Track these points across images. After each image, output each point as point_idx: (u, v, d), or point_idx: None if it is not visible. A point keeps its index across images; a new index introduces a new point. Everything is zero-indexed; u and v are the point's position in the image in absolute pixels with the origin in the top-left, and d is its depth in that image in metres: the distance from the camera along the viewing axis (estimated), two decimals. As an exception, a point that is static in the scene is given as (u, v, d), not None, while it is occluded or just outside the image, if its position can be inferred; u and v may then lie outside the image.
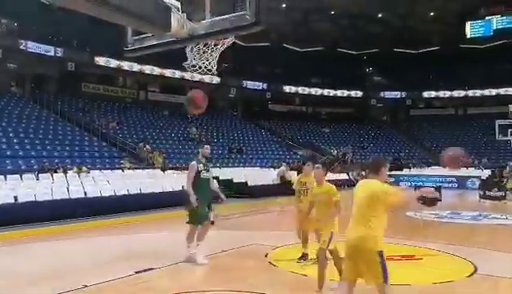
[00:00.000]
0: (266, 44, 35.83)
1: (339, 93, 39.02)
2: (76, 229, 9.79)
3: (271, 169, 22.53)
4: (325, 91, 38.84)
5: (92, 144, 20.73)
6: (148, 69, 28.71)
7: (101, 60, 26.48)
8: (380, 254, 3.45)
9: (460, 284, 5.23)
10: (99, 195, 12.43)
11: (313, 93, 38.74)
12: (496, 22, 34.46)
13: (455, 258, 6.58)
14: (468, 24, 35.28)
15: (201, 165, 6.48)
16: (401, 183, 25.23)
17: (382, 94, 39.82)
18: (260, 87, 36.28)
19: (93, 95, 27.36)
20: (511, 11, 33.53)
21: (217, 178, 18.70)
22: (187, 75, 28.65)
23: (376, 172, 3.75)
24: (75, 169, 14.45)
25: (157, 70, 29.21)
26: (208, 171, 6.54)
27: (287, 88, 37.58)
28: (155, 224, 10.86)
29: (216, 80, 31.18)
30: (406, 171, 27.65)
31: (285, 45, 38.04)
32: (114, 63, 26.80)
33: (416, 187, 14.36)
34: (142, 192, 13.69)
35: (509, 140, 25.26)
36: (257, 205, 15.14)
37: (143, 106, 29.53)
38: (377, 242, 3.48)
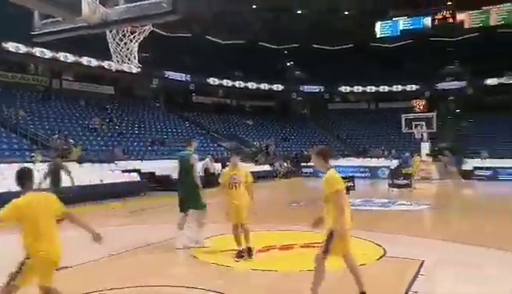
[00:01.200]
0: (188, 35, 35.29)
1: (261, 86, 39.80)
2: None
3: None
4: (249, 84, 39.39)
5: (1, 135, 19.00)
6: (62, 56, 26.87)
7: (9, 46, 24.35)
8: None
9: (371, 266, 5.65)
10: (6, 190, 11.42)
11: (237, 86, 39.08)
12: (403, 23, 37.28)
13: (367, 242, 7.07)
14: (378, 24, 37.75)
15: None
16: (320, 173, 26.46)
17: (302, 88, 41.32)
18: (183, 79, 35.73)
19: (1, 83, 25.01)
20: (416, 13, 36.46)
21: (138, 171, 18.30)
22: (106, 64, 27.26)
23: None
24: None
25: (72, 58, 27.45)
26: None
27: (211, 80, 37.47)
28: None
29: (137, 70, 30.04)
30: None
31: (207, 37, 37.74)
32: (23, 49, 24.78)
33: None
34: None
35: (413, 133, 27.58)
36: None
37: (57, 95, 27.58)
38: None
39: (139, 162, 20.86)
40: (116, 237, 7.11)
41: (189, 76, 35.86)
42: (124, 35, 4.72)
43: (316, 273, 4.15)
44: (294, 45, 40.16)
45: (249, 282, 5.20)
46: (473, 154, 27.38)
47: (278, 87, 40.46)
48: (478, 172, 23.93)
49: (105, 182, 15.24)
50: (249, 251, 6.06)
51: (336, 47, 40.85)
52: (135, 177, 17.23)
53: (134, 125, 27.82)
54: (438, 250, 6.67)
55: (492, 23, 34.46)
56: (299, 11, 35.84)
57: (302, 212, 10.95)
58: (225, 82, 38.32)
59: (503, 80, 35.90)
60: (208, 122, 35.64)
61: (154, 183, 18.09)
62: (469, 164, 25.20)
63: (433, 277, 5.14)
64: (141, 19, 4.23)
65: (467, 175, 24.25)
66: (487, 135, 33.20)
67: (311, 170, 27.89)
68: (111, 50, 4.71)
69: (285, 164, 28.04)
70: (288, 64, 43.47)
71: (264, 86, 39.88)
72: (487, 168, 23.92)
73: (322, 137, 37.96)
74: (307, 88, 41.25)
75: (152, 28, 4.94)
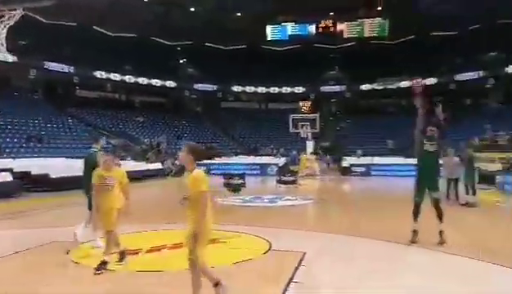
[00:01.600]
0: (73, 24, 32.75)
1: (153, 82, 38.71)
2: None
3: (79, 160, 20.81)
4: (140, 79, 38.01)
5: None
6: None
7: None
8: None
9: (257, 261, 5.88)
10: None
11: (127, 80, 37.45)
12: (291, 28, 39.42)
13: (255, 238, 7.32)
14: (268, 28, 39.36)
15: None
16: (212, 171, 26.64)
17: (195, 86, 41.16)
18: (66, 70, 33.12)
19: None
20: (302, 20, 38.82)
21: (10, 170, 16.38)
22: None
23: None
24: None
25: None
26: None
27: (98, 73, 35.30)
28: None
29: (12, 58, 26.89)
30: (217, 160, 29.28)
31: (95, 27, 35.46)
32: None
33: (225, 175, 15.45)
34: None
35: (300, 132, 29.34)
36: (60, 199, 13.78)
37: None
38: None
39: (11, 160, 18.74)
40: None
41: (72, 68, 33.33)
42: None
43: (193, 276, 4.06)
44: (187, 42, 39.82)
45: (135, 284, 5.01)
46: (351, 153, 30.13)
47: (171, 84, 39.75)
48: (354, 169, 26.36)
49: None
50: (122, 254, 5.67)
51: (229, 47, 41.53)
52: (7, 177, 15.41)
53: (7, 119, 24.90)
54: (319, 241, 7.18)
55: (366, 34, 38.31)
56: (192, 8, 35.61)
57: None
58: (113, 76, 36.41)
59: (375, 86, 40.11)
60: (94, 117, 33.49)
61: (29, 183, 16.38)
62: (347, 162, 27.63)
63: (314, 267, 5.52)
64: (11, 2, 3.76)
65: (345, 171, 26.58)
66: (362, 135, 36.79)
67: (203, 168, 27.95)
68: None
69: (177, 162, 27.61)
70: (181, 61, 42.91)
71: (156, 82, 38.85)
72: (362, 165, 26.50)
73: (216, 135, 38.28)
74: (200, 86, 41.23)
75: (24, 13, 4.43)
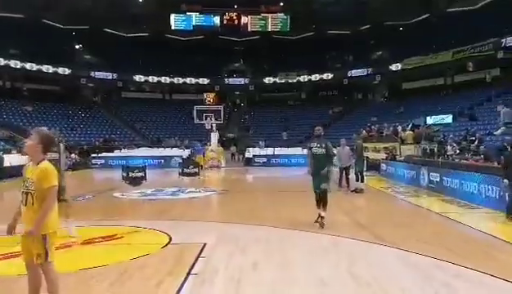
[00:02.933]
0: None
1: (43, 68, 35.46)
2: None
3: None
4: (28, 65, 34.51)
5: None
6: None
7: None
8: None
9: (155, 255, 5.74)
10: None
11: (12, 66, 33.78)
12: (196, 18, 38.99)
13: (154, 232, 7.16)
14: (172, 16, 38.47)
15: None
16: (111, 163, 25.41)
17: (92, 73, 38.65)
18: None
19: None
20: (207, 10, 38.62)
21: None
22: None
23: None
24: None
25: None
26: None
27: (-25, 57, 31.23)
28: None
29: None
30: (117, 153, 27.97)
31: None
32: None
33: (123, 167, 14.81)
34: None
35: (204, 124, 29.27)
36: None
37: None
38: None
39: None
40: None
41: None
42: None
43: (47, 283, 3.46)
44: (83, 27, 37.06)
45: None
46: (255, 143, 30.95)
47: (64, 71, 36.78)
48: (256, 159, 27.14)
49: None
50: None
51: (131, 35, 39.70)
52: None
53: None
54: (220, 231, 7.26)
55: (270, 28, 39.47)
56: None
57: (89, 206, 10.30)
58: (-5, 60, 32.53)
59: (277, 79, 41.58)
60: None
61: None
62: (250, 153, 28.32)
63: (213, 258, 5.57)
64: None
65: (248, 162, 27.24)
66: (264, 126, 38.00)
67: (102, 161, 26.51)
68: None
69: (72, 155, 25.76)
70: (77, 46, 39.88)
71: (47, 68, 35.61)
72: (264, 156, 27.40)
73: (115, 126, 36.48)
74: (98, 74, 38.79)
75: None
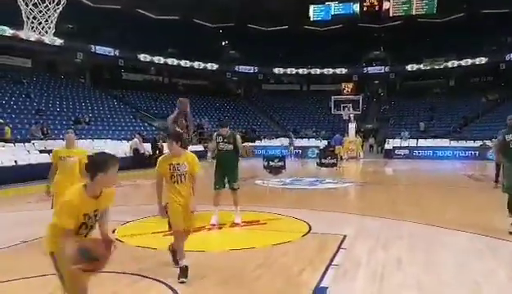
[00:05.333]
0: (117, 7, 33.50)
1: (195, 65, 39.05)
2: None
3: (124, 141, 21.61)
4: (182, 62, 38.45)
5: None
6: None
7: None
8: None
9: (296, 243, 5.89)
10: None
11: (170, 63, 38.00)
12: (334, 8, 38.42)
13: (294, 220, 7.34)
14: (311, 8, 38.55)
15: None
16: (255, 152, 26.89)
17: (236, 68, 41.19)
18: (112, 54, 33.95)
19: None
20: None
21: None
22: (22, 34, 24.95)
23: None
24: None
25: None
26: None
27: (142, 56, 36.04)
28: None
29: (59, 42, 27.99)
30: (258, 143, 29.47)
31: (138, 10, 36.13)
32: None
33: (264, 157, 15.48)
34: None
35: (342, 114, 28.79)
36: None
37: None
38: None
39: (61, 141, 19.63)
40: (29, 223, 6.69)
41: (118, 51, 34.16)
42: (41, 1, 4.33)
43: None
44: (229, 24, 39.77)
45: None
46: (395, 134, 29.31)
47: (212, 67, 39.97)
48: (397, 151, 25.68)
49: (20, 163, 14.12)
50: (185, 270, 4.28)
51: (271, 28, 41.13)
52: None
53: (55, 102, 26.09)
54: (359, 224, 7.08)
55: (414, 12, 36.67)
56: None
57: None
58: (157, 59, 37.04)
59: (421, 66, 38.50)
60: (138, 100, 34.44)
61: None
62: (390, 144, 26.93)
63: (354, 250, 5.47)
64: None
65: (388, 154, 25.95)
66: (405, 117, 35.61)
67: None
68: (24, 15, 4.30)
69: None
70: (223, 43, 43.06)
71: (198, 64, 39.19)
72: (405, 147, 25.75)
73: (256, 117, 38.35)
74: (241, 68, 41.19)
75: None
